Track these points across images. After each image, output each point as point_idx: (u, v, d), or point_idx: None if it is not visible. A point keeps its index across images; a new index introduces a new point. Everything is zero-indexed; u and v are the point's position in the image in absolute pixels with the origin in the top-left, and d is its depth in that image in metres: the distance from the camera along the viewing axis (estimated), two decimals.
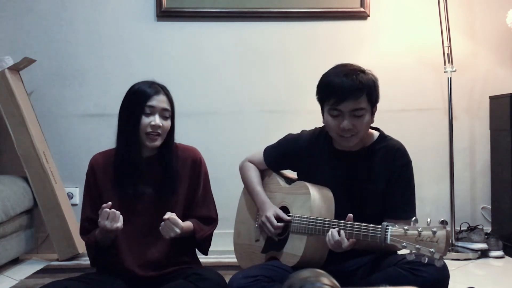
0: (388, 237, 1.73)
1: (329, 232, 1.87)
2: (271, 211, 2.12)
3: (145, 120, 2.00)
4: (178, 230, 1.95)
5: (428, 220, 1.69)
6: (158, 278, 2.01)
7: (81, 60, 3.44)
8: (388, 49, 3.50)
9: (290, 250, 2.05)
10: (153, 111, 2.01)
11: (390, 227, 1.73)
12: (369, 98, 1.96)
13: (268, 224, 2.10)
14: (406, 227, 1.69)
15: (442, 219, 1.67)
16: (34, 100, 3.34)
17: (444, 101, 3.47)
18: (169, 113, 2.06)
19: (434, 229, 1.63)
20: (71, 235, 3.12)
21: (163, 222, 1.96)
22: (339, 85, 1.94)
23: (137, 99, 2.02)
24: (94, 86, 3.44)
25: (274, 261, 2.09)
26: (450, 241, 3.20)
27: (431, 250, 1.62)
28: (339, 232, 1.85)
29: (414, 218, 1.71)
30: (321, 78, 2.03)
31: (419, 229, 1.66)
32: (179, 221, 1.96)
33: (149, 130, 2.00)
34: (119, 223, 1.91)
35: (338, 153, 2.07)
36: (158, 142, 2.03)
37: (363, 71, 1.99)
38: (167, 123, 2.05)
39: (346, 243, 1.83)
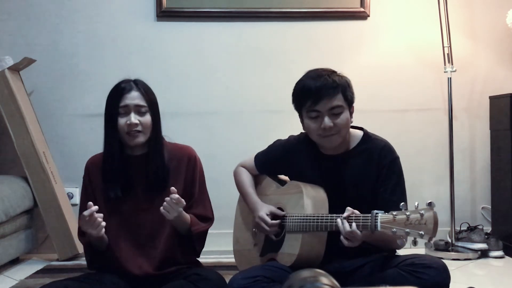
0: (378, 224, 1.75)
1: (340, 224, 1.83)
2: (264, 209, 2.12)
3: (121, 120, 1.99)
4: (180, 209, 1.93)
5: (416, 203, 1.70)
6: (158, 278, 2.01)
7: (81, 60, 3.44)
8: (388, 49, 3.50)
9: (287, 249, 2.05)
10: (127, 110, 1.99)
11: (379, 214, 1.76)
12: (345, 96, 1.99)
13: (263, 224, 2.09)
14: (395, 213, 1.72)
15: (429, 201, 1.67)
16: (34, 100, 3.34)
17: (444, 101, 3.46)
18: (146, 108, 2.01)
19: (422, 211, 1.66)
20: (71, 235, 3.12)
21: (164, 202, 1.92)
22: (313, 86, 1.98)
23: (111, 101, 2.02)
24: (94, 86, 3.44)
25: (273, 262, 2.09)
26: (450, 240, 3.21)
27: (420, 232, 1.65)
28: (350, 225, 1.82)
29: (402, 203, 1.73)
30: (295, 86, 2.06)
31: (407, 213, 1.69)
32: (182, 200, 1.93)
33: (127, 129, 1.99)
34: (96, 230, 1.89)
35: (324, 157, 2.07)
36: (141, 139, 2.01)
37: (334, 72, 2.03)
38: (146, 119, 2.01)
39: (359, 234, 1.80)
